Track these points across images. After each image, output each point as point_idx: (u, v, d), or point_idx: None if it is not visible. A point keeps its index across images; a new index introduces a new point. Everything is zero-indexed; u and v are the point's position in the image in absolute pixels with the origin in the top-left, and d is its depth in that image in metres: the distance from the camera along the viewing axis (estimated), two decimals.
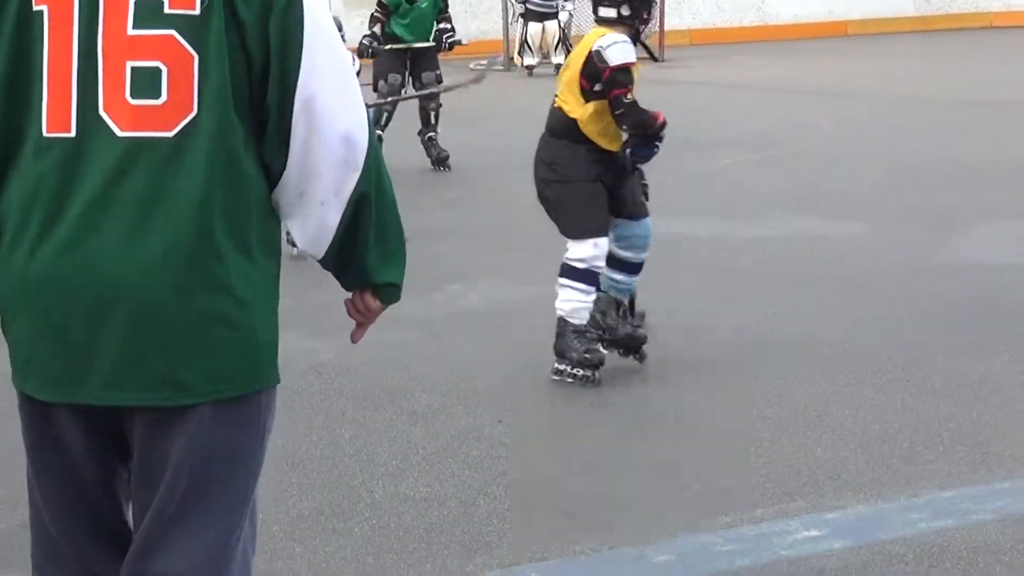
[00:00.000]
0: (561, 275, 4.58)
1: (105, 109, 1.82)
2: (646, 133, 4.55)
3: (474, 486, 3.72)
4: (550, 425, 4.25)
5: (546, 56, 15.68)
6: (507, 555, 3.28)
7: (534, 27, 15.55)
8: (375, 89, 8.90)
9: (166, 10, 1.83)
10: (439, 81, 8.98)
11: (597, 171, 4.56)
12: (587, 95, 4.49)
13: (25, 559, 2.15)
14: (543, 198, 4.69)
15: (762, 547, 3.30)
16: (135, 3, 1.83)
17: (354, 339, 2.20)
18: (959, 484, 3.68)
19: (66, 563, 2.02)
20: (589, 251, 4.50)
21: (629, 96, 4.46)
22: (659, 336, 5.09)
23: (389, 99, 8.67)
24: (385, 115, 8.79)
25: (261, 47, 1.86)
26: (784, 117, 11.54)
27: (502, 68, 16.44)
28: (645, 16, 4.74)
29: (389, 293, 2.10)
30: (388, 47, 8.88)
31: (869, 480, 3.72)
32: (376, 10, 9.01)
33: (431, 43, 9.05)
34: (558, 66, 15.84)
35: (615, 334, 4.69)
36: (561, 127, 4.59)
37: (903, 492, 3.65)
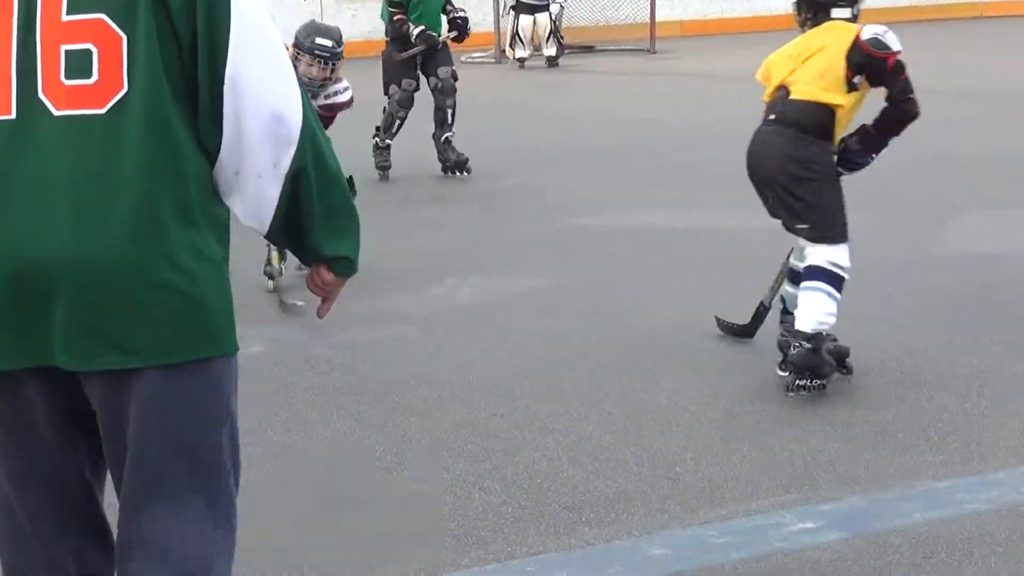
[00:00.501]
0: (813, 278, 4.33)
1: (44, 92, 1.90)
2: (894, 132, 4.44)
3: (470, 480, 3.71)
4: (546, 419, 4.21)
5: (537, 49, 15.68)
6: (503, 549, 3.27)
7: (525, 20, 15.57)
8: (386, 93, 8.59)
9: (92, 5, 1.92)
10: (455, 78, 8.62)
11: (836, 169, 4.45)
12: (848, 85, 4.34)
13: None
14: (792, 197, 4.35)
15: (757, 539, 3.29)
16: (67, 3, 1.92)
17: (320, 314, 2.30)
18: (953, 475, 3.67)
19: (34, 549, 2.06)
20: (846, 256, 4.37)
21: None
22: (653, 329, 5.10)
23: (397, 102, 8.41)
24: (397, 122, 8.50)
25: (188, 28, 1.93)
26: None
27: (493, 61, 16.43)
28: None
29: (343, 266, 2.16)
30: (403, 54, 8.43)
31: (864, 471, 3.71)
32: (393, 9, 8.57)
33: (447, 36, 8.71)
34: (550, 58, 15.88)
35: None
36: (812, 121, 4.33)
37: (898, 483, 3.63)
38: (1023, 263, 6.08)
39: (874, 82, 4.35)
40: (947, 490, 3.59)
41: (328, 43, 6.20)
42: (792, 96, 4.36)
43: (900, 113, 4.37)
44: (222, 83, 1.94)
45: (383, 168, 8.64)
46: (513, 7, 15.74)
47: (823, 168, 4.36)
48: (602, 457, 3.89)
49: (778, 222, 4.55)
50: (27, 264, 1.88)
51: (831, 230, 4.34)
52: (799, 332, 4.27)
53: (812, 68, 4.35)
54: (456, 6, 8.87)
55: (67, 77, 1.90)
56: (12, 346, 1.94)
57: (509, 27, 15.94)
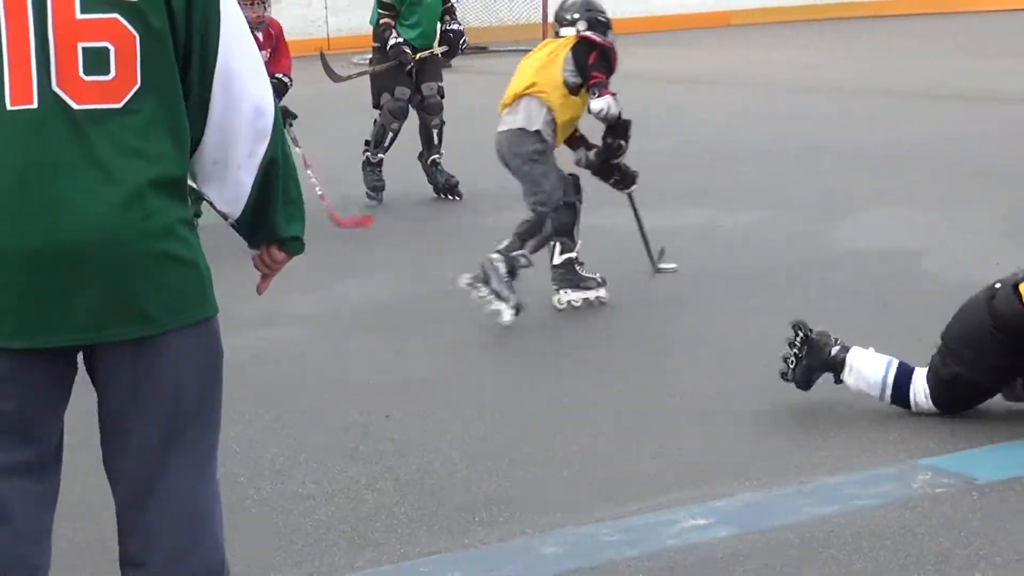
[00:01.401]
0: None
1: (59, 85, 2.06)
2: None
3: (362, 482, 3.70)
4: (439, 419, 4.19)
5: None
6: (396, 550, 3.26)
7: None
8: (375, 105, 7.93)
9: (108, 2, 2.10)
10: (441, 95, 7.93)
11: None
12: None
13: None
14: None
15: (650, 536, 3.31)
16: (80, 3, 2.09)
17: (260, 290, 2.48)
18: (844, 470, 3.72)
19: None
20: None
21: None
22: (547, 325, 5.12)
23: (388, 112, 7.78)
24: (390, 135, 7.84)
25: (185, 28, 2.14)
26: (674, 107, 11.68)
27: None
28: None
29: (295, 246, 2.38)
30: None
31: (758, 468, 3.75)
32: (382, 12, 7.87)
33: (441, 47, 8.02)
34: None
35: None
36: None
37: (792, 479, 3.68)
38: (917, 260, 6.17)
39: None
40: (838, 486, 3.63)
41: None
42: None
43: None
44: (213, 75, 2.16)
45: (375, 188, 7.90)
46: None
47: None
48: (496, 457, 3.89)
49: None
50: (57, 247, 2.04)
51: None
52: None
53: None
54: (455, 16, 8.17)
55: (86, 73, 2.07)
56: (36, 325, 2.08)
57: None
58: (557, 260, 5.52)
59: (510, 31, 18.04)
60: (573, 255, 5.54)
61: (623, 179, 5.77)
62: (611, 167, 5.72)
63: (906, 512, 3.42)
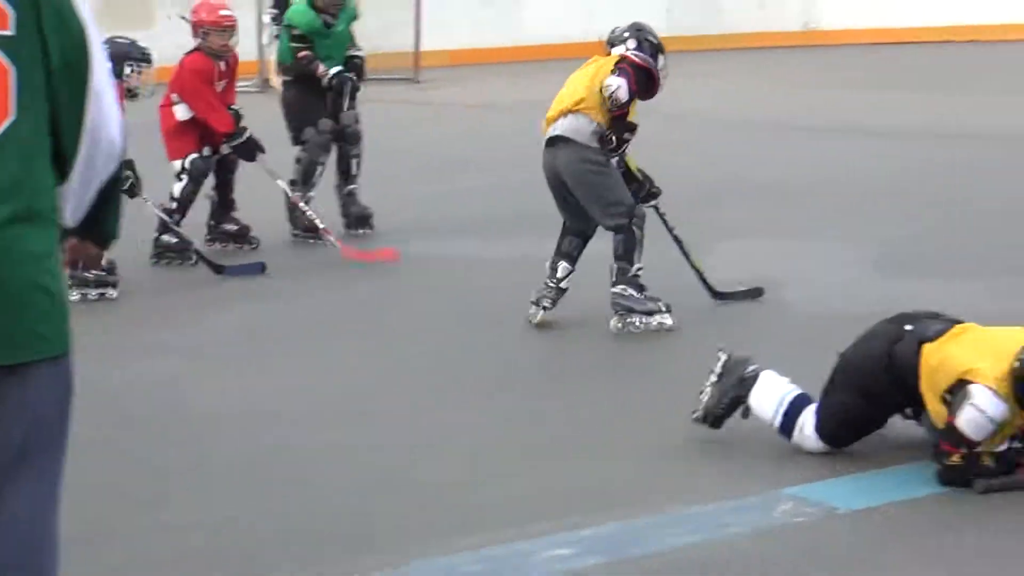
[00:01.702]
0: None
1: None
2: None
3: (238, 514, 3.75)
4: (296, 455, 4.27)
5: None
6: None
7: None
8: (297, 141, 7.61)
9: None
10: (357, 121, 7.68)
11: None
12: None
13: None
14: None
15: (511, 565, 3.39)
16: None
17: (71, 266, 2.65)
18: (712, 500, 3.82)
19: None
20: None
21: None
22: (411, 362, 5.17)
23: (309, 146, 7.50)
24: (319, 170, 7.54)
25: (59, 56, 2.22)
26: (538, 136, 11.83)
27: (257, 90, 16.17)
28: None
29: (112, 241, 2.54)
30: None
31: (625, 497, 3.86)
32: (294, 44, 7.61)
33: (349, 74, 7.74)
34: None
35: None
36: None
37: (660, 508, 3.78)
38: (779, 290, 6.33)
39: None
40: (704, 515, 3.74)
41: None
42: None
43: None
44: (86, 103, 2.24)
45: (308, 229, 7.37)
46: (276, 36, 15.36)
47: None
48: (363, 485, 3.95)
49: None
50: None
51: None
52: None
53: None
54: (356, 43, 8.00)
55: None
56: None
57: (274, 56, 15.71)
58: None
59: (387, 59, 18.11)
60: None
61: (639, 190, 5.83)
62: (627, 176, 5.80)
63: (769, 540, 3.55)
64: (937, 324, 4.07)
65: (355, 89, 7.72)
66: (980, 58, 17.76)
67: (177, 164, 7.05)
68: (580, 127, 5.55)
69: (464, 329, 5.72)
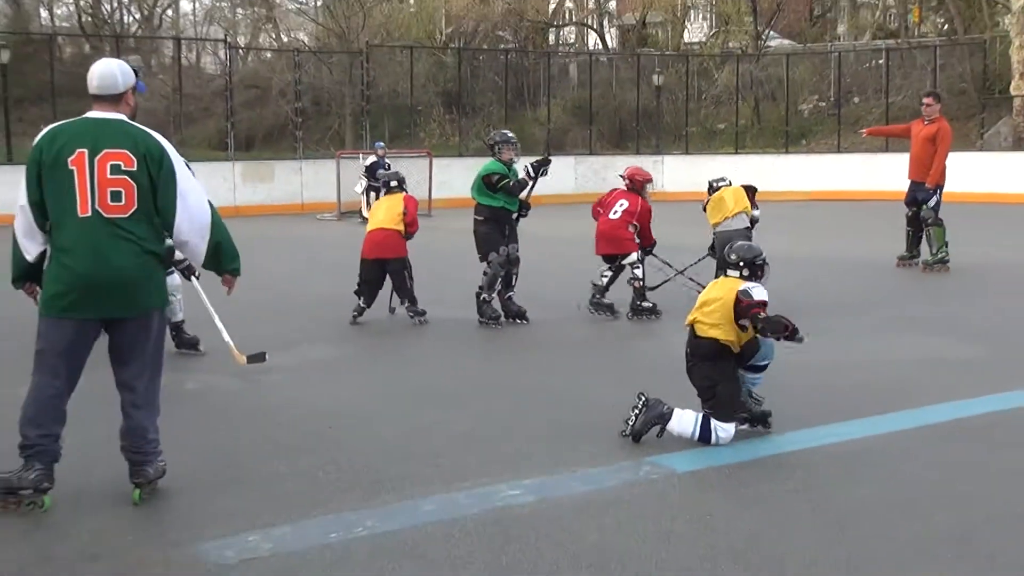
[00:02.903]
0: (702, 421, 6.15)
1: (98, 205, 5.04)
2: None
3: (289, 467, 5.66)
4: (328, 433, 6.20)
5: None
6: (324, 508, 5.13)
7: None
8: (484, 259, 10.36)
9: (123, 167, 5.06)
10: (517, 250, 10.53)
11: None
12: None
13: None
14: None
15: (479, 497, 5.24)
16: (110, 165, 5.06)
17: (229, 292, 5.77)
18: (603, 464, 5.77)
19: (54, 395, 5.20)
20: (732, 431, 6.18)
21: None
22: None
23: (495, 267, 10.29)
24: (501, 279, 10.36)
25: (157, 182, 5.15)
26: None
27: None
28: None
29: (236, 272, 5.60)
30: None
31: (549, 460, 5.79)
32: (497, 182, 10.31)
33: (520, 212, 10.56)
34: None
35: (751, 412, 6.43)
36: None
37: (569, 469, 5.64)
38: (636, 342, 8.57)
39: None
40: (597, 473, 5.62)
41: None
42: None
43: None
44: (175, 203, 5.21)
45: (493, 318, 10.33)
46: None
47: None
48: (377, 453, 5.92)
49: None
50: (98, 278, 5.08)
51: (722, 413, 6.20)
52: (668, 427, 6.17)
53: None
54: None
55: (111, 201, 5.06)
56: (88, 308, 5.08)
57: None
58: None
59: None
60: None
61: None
62: None
63: (635, 489, 5.41)
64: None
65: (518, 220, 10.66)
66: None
67: None
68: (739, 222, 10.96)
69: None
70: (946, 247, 14.00)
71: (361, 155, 26.10)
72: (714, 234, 11.13)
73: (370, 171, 23.41)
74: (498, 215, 10.37)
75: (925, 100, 14.72)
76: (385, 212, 10.69)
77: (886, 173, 29.48)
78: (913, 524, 4.93)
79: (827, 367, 8.32)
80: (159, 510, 5.18)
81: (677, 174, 31.22)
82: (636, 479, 5.62)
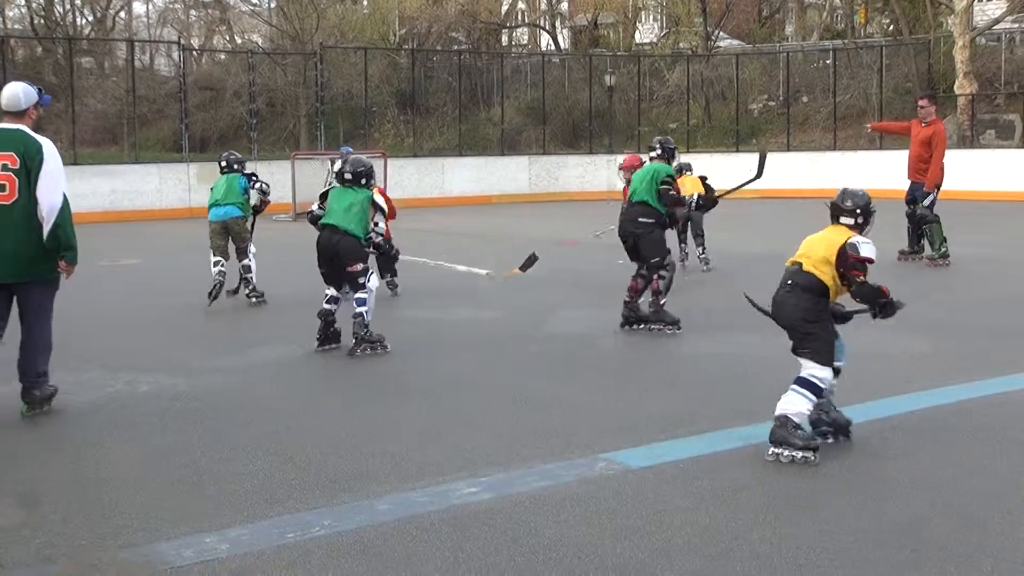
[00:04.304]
0: (797, 386, 5.94)
1: None
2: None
3: (272, 464, 5.68)
4: (304, 430, 6.24)
5: None
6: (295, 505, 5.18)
7: None
8: (659, 266, 9.88)
9: (10, 166, 6.76)
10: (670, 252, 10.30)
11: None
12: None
13: None
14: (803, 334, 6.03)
15: (439, 494, 5.30)
16: (1, 165, 6.78)
17: (67, 277, 7.13)
18: (558, 460, 5.84)
19: None
20: (830, 374, 6.03)
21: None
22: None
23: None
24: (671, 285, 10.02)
25: (32, 171, 6.80)
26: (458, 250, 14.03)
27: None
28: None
29: (70, 259, 6.97)
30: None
31: (505, 459, 5.86)
32: (667, 187, 9.91)
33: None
34: None
35: (835, 422, 6.20)
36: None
37: (523, 465, 5.72)
38: (594, 340, 8.67)
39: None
40: (553, 469, 5.70)
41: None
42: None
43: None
44: (38, 189, 6.79)
45: (672, 323, 9.83)
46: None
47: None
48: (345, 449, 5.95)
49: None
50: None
51: (825, 357, 6.04)
52: (777, 415, 5.93)
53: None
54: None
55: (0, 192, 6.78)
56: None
57: None
58: None
59: None
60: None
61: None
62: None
63: (591, 485, 5.47)
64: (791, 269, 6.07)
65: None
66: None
67: None
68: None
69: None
70: (945, 242, 14.41)
71: (323, 157, 26.07)
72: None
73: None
74: (662, 222, 9.98)
75: (920, 102, 14.98)
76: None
77: (833, 171, 29.95)
78: (865, 515, 5.01)
79: (785, 362, 8.40)
80: (114, 512, 5.16)
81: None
82: (592, 475, 5.69)
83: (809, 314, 6.03)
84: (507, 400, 7.30)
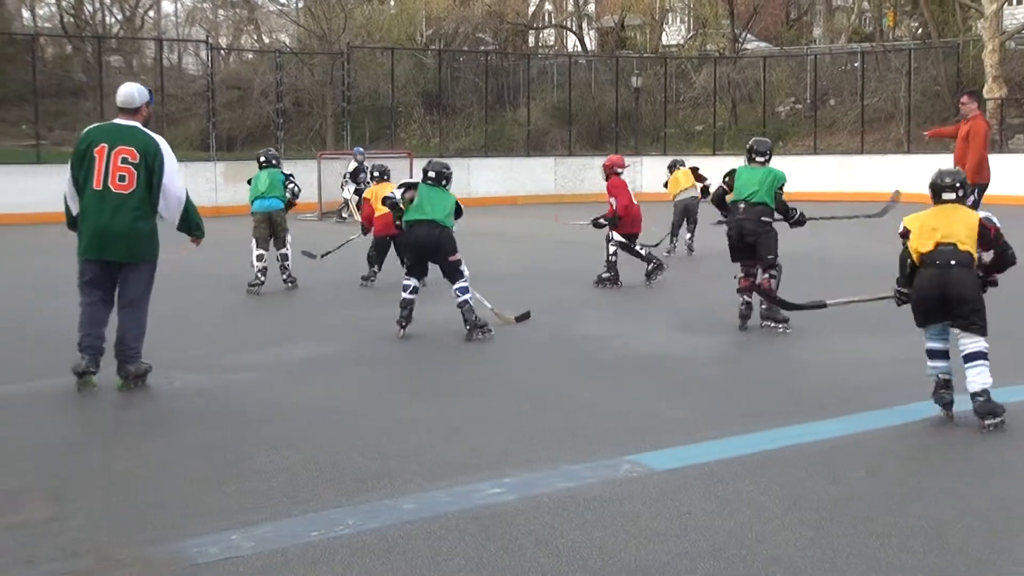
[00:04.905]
0: (980, 359, 6.51)
1: (111, 183, 7.66)
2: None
3: (291, 462, 5.71)
4: (334, 432, 6.29)
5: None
6: (318, 504, 5.19)
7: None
8: (772, 264, 10.31)
9: (130, 160, 7.68)
10: None
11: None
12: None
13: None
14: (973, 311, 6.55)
15: (462, 495, 5.32)
16: (121, 158, 7.66)
17: (196, 247, 8.42)
18: (584, 461, 5.85)
19: (93, 307, 7.83)
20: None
21: None
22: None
23: None
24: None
25: (154, 167, 7.72)
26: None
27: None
28: None
29: (200, 235, 8.24)
30: None
31: (531, 459, 5.87)
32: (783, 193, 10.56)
33: None
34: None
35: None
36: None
37: (552, 466, 5.73)
38: (611, 339, 8.68)
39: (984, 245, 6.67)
40: (579, 470, 5.70)
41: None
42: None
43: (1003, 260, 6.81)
44: (162, 183, 7.75)
45: (784, 321, 10.15)
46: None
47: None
48: (364, 450, 5.97)
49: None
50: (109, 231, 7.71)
51: (984, 328, 6.59)
52: (975, 392, 6.49)
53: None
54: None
55: (119, 182, 7.66)
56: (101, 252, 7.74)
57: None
58: None
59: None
60: None
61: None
62: None
63: (615, 487, 5.47)
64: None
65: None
66: None
67: None
68: None
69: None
70: None
71: (348, 157, 26.23)
72: (674, 203, 16.37)
73: (353, 176, 24.18)
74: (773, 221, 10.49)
75: (961, 100, 14.80)
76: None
77: (860, 175, 29.83)
78: (889, 520, 4.99)
79: (808, 366, 8.41)
80: (140, 508, 5.20)
81: (655, 175, 31.37)
82: (616, 477, 5.68)
83: (978, 290, 6.60)
84: (531, 400, 7.32)
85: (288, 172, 13.84)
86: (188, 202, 7.94)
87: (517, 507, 5.19)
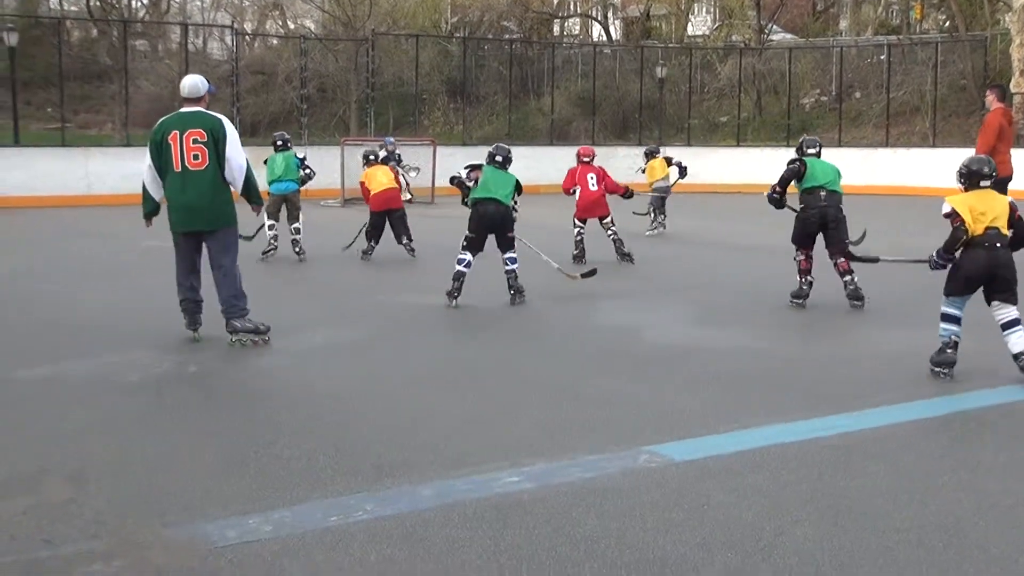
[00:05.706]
0: (1017, 325, 7.43)
1: (187, 163, 8.68)
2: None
3: (312, 446, 5.71)
4: (358, 414, 6.29)
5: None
6: (334, 488, 5.23)
7: None
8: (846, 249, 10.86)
9: (200, 140, 8.65)
10: None
11: None
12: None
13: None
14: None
15: (479, 484, 5.33)
16: (192, 139, 8.70)
17: (258, 215, 9.79)
18: (599, 452, 5.85)
19: (186, 273, 9.01)
20: None
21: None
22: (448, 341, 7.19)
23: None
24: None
25: (219, 142, 8.67)
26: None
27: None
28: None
29: (259, 202, 9.26)
30: None
31: (548, 450, 5.88)
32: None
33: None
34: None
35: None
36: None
37: (569, 456, 5.73)
38: (637, 331, 8.66)
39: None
40: (597, 461, 5.70)
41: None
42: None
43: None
44: (225, 156, 8.71)
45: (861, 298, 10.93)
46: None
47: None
48: (384, 437, 5.98)
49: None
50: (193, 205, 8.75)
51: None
52: (1018, 353, 7.45)
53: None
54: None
55: (193, 160, 8.67)
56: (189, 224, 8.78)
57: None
58: None
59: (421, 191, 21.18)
60: None
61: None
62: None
63: (633, 477, 5.47)
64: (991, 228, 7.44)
65: None
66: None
67: None
68: None
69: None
70: None
71: (372, 144, 26.26)
72: (652, 189, 18.64)
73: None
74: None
75: (987, 95, 14.78)
76: (384, 176, 15.21)
77: (885, 168, 29.66)
78: (905, 515, 4.98)
79: (823, 360, 8.38)
80: (159, 491, 5.23)
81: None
82: (634, 467, 5.68)
83: (1015, 267, 7.50)
84: (549, 390, 7.32)
85: (302, 155, 15.21)
86: (248, 170, 8.80)
87: (535, 496, 5.19)
